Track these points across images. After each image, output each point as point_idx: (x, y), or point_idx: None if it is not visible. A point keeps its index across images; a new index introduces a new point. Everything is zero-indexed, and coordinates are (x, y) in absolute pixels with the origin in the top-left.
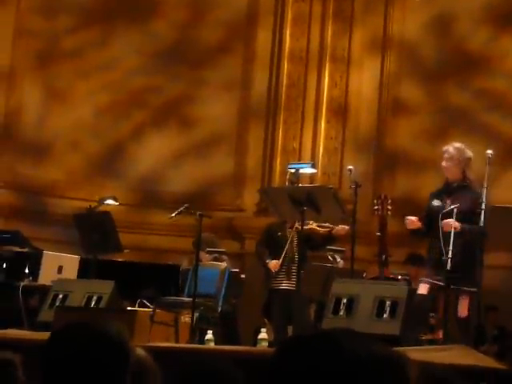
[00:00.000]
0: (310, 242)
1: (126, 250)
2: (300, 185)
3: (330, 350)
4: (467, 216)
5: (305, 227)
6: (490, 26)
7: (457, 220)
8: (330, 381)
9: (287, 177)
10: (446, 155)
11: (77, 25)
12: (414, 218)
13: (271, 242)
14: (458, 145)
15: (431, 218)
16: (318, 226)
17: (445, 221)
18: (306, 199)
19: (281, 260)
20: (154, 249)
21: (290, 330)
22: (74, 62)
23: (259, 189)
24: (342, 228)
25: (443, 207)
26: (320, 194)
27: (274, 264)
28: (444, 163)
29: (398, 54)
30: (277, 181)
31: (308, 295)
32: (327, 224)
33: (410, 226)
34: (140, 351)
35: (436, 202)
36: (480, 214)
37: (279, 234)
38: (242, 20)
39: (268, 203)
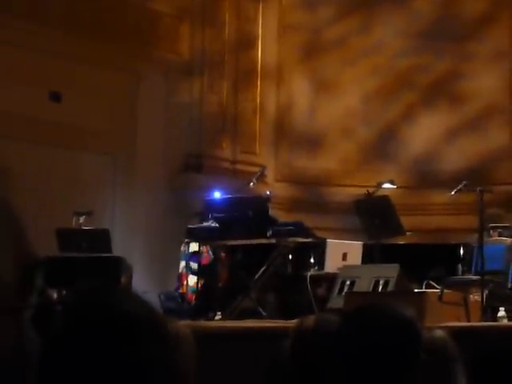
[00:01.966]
0: None
1: (408, 233)
2: None
3: None
4: None
5: None
6: None
7: None
8: None
9: None
10: None
11: (338, 14)
12: None
13: None
14: None
15: None
16: None
17: None
18: None
19: None
20: (435, 229)
21: None
22: (338, 51)
23: None
24: None
25: None
26: None
27: None
28: None
29: None
30: None
31: None
32: None
33: None
34: (438, 332)
35: None
36: None
37: None
38: None
39: None
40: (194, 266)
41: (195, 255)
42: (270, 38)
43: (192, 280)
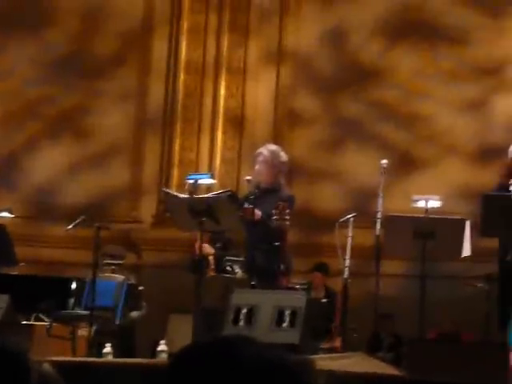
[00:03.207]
0: None
1: (21, 264)
2: (199, 195)
3: (225, 356)
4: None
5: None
6: (382, 39)
7: (258, 225)
8: None
9: (185, 187)
10: (260, 158)
11: None
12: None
13: None
14: (272, 147)
15: None
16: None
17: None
18: (205, 210)
19: None
20: (50, 262)
21: None
22: None
23: (162, 193)
24: (207, 247)
25: None
26: (219, 204)
27: None
28: (257, 166)
29: (294, 66)
30: (174, 192)
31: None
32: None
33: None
34: (44, 366)
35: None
36: (375, 222)
37: None
38: (138, 30)
39: (169, 210)
40: None
41: None
42: None
43: None
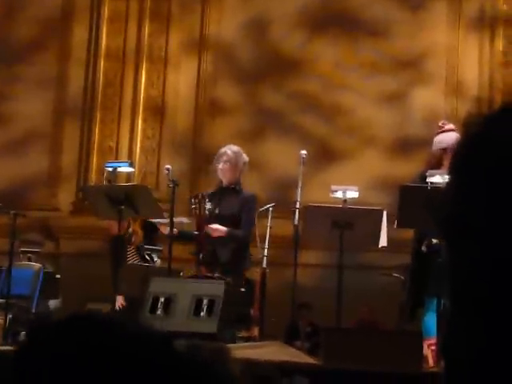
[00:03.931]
0: None
1: None
2: (117, 184)
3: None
4: (234, 219)
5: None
6: (303, 30)
7: (223, 223)
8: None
9: (104, 175)
10: (224, 158)
11: None
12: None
13: None
14: (235, 148)
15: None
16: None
17: (212, 226)
18: (124, 198)
19: None
20: None
21: None
22: None
23: (80, 188)
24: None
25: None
26: (137, 193)
27: None
28: (221, 166)
29: (215, 55)
30: (93, 180)
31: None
32: None
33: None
34: None
35: (209, 205)
36: (294, 212)
37: None
38: (58, 16)
39: (88, 202)
40: None
41: None
42: None
43: None
